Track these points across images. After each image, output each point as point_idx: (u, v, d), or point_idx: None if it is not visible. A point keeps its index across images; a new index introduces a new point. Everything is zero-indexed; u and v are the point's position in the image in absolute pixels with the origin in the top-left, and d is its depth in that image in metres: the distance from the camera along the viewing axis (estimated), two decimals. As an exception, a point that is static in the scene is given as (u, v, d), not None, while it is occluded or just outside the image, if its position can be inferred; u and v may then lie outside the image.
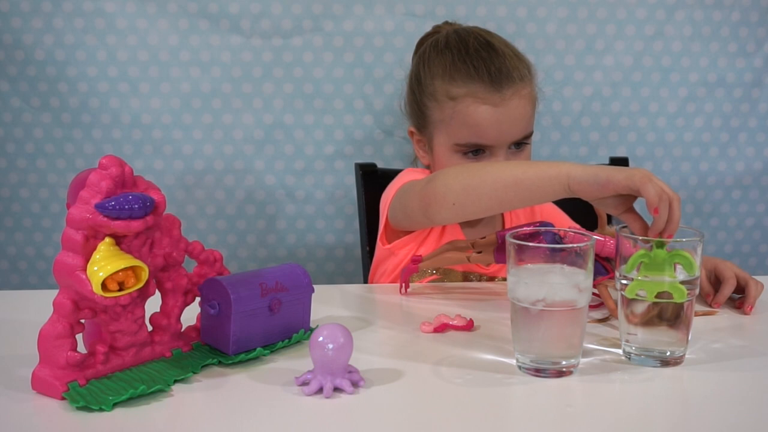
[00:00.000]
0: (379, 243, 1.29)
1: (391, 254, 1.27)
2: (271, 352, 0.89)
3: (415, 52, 1.39)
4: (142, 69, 1.63)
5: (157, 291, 0.85)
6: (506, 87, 1.23)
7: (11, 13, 1.60)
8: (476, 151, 1.24)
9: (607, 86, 1.72)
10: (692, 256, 0.86)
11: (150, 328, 0.86)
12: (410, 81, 1.35)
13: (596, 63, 1.71)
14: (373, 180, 1.51)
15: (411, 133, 1.36)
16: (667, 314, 0.87)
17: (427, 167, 1.35)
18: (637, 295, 0.86)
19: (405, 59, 1.63)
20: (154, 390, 0.77)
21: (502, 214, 1.36)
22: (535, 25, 1.68)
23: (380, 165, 1.60)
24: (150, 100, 1.65)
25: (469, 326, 0.98)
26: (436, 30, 1.38)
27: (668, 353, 0.87)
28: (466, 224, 1.31)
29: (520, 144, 1.26)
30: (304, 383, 0.80)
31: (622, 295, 0.88)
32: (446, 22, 1.41)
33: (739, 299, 1.08)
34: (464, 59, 1.26)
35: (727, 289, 1.07)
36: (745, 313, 1.05)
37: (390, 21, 1.66)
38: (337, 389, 0.79)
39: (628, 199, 0.95)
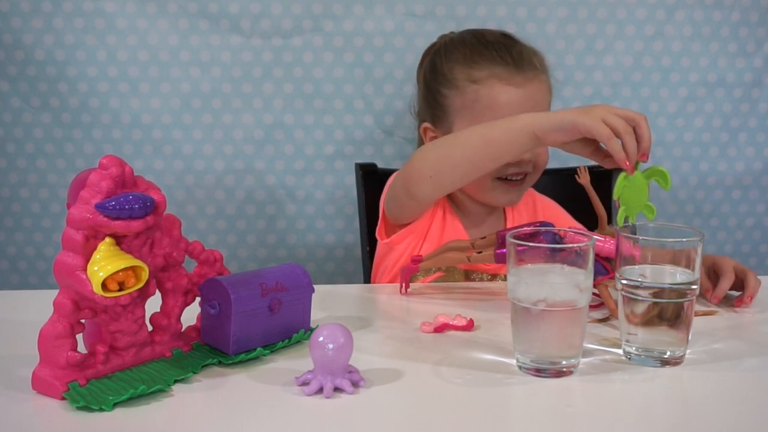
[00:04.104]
0: (378, 239, 1.29)
1: (390, 250, 1.27)
2: (271, 352, 0.89)
3: (421, 62, 1.39)
4: (142, 69, 1.63)
5: (157, 291, 0.85)
6: (528, 70, 1.25)
7: (11, 13, 1.60)
8: None
9: (607, 86, 1.72)
10: (666, 171, 0.91)
11: (150, 328, 0.86)
12: (424, 77, 1.36)
13: (596, 63, 1.71)
14: (373, 180, 1.51)
15: (425, 131, 1.35)
16: (667, 314, 0.87)
17: None
18: (636, 294, 0.86)
19: (405, 59, 1.64)
20: (154, 390, 0.77)
21: (504, 214, 1.36)
22: (535, 25, 1.68)
23: (380, 165, 1.59)
24: (150, 100, 1.65)
25: (469, 326, 0.98)
26: (444, 36, 1.39)
27: (668, 353, 0.87)
28: (467, 220, 1.31)
29: None
30: (304, 383, 0.80)
31: (622, 295, 0.88)
32: (451, 32, 1.41)
33: (738, 297, 1.08)
34: (485, 45, 1.28)
35: (726, 283, 1.07)
36: (745, 302, 1.05)
37: (390, 21, 1.66)
38: (337, 389, 0.79)
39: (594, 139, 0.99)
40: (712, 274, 1.10)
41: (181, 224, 0.86)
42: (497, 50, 1.26)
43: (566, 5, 1.68)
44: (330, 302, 1.08)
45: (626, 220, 0.87)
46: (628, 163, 0.95)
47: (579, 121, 0.96)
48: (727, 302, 1.09)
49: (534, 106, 1.24)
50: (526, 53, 1.27)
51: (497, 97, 1.23)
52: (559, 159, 1.75)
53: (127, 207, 0.76)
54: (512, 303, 0.85)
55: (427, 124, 1.34)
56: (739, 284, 1.08)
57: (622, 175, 0.89)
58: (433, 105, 1.32)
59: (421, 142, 1.37)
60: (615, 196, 0.89)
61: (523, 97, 1.23)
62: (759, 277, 1.10)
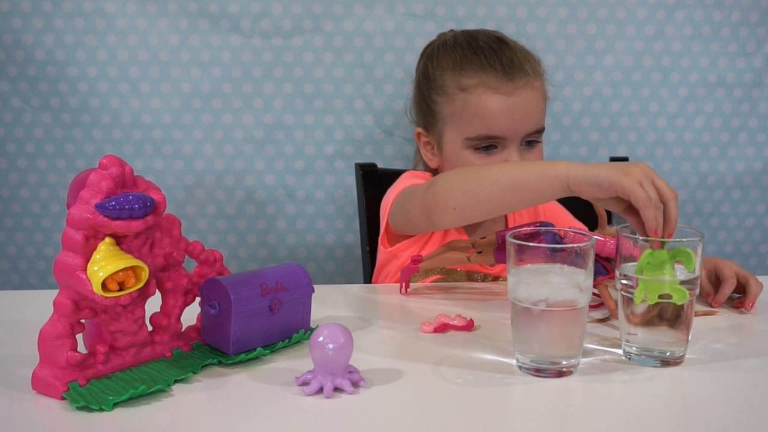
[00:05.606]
0: (380, 246, 1.29)
1: (394, 257, 1.27)
2: (272, 352, 0.89)
3: (420, 58, 1.38)
4: (142, 69, 1.63)
5: (157, 291, 0.85)
6: (518, 77, 1.23)
7: (11, 13, 1.60)
8: (488, 147, 1.24)
9: (607, 86, 1.72)
10: (693, 253, 0.86)
11: (150, 328, 0.86)
12: (417, 81, 1.35)
13: (596, 63, 1.71)
14: (373, 180, 1.51)
15: (418, 135, 1.35)
16: (667, 314, 0.87)
17: (434, 171, 1.34)
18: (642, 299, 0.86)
19: (405, 59, 1.64)
20: (154, 390, 0.77)
21: (505, 214, 1.36)
22: (535, 25, 1.68)
23: (380, 165, 1.60)
24: (150, 100, 1.65)
25: (469, 326, 0.98)
26: (442, 36, 1.38)
27: (668, 353, 0.87)
28: (468, 224, 1.31)
29: (531, 142, 1.26)
30: (304, 383, 0.80)
31: (622, 295, 0.88)
32: (451, 30, 1.40)
33: (738, 299, 1.08)
34: (475, 51, 1.26)
35: (727, 288, 1.07)
36: (746, 309, 1.05)
37: (390, 21, 1.66)
38: (337, 389, 0.79)
39: None
40: (714, 278, 1.10)
41: (181, 224, 0.86)
42: (487, 57, 1.24)
43: (566, 5, 1.68)
44: (330, 302, 1.08)
45: (644, 298, 0.85)
46: (657, 232, 0.90)
47: (617, 181, 0.92)
48: (728, 303, 1.09)
49: (524, 114, 1.23)
50: (517, 59, 1.25)
51: (486, 106, 1.22)
52: (560, 158, 1.75)
53: (127, 207, 0.76)
54: (512, 303, 0.85)
55: (420, 129, 1.34)
56: (741, 289, 1.08)
57: (646, 251, 0.87)
58: (425, 111, 1.32)
59: (417, 145, 1.37)
60: (636, 272, 0.87)
61: (513, 105, 1.22)
62: (759, 277, 1.10)
